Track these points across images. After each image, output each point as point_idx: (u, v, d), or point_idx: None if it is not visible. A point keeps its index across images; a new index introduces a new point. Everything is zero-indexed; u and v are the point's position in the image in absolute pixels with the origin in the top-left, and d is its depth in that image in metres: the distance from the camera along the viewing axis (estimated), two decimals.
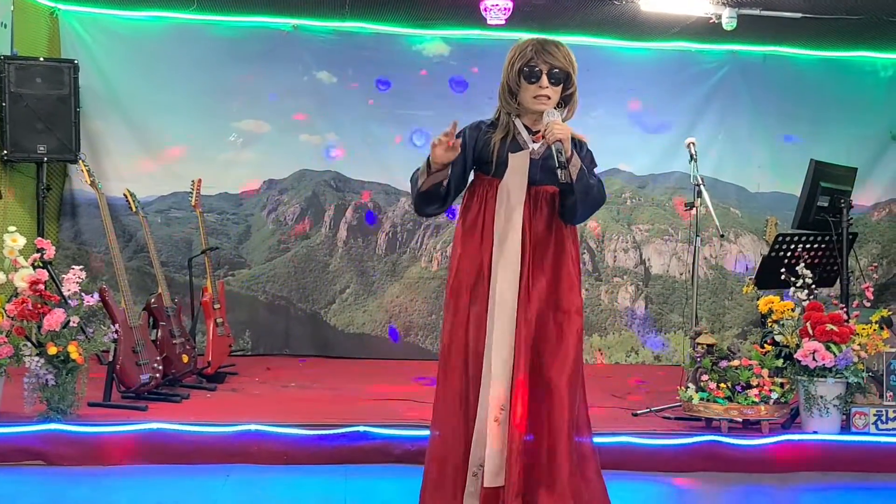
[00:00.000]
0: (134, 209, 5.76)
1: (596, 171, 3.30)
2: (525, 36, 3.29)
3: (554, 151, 3.05)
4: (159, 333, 5.43)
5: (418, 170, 3.23)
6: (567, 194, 3.17)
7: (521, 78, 3.17)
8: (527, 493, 3.13)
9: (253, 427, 4.45)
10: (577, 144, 3.19)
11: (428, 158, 3.15)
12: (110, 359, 4.96)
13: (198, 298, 6.17)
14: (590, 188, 3.16)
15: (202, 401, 5.35)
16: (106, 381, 4.98)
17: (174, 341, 5.53)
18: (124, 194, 5.79)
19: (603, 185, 3.26)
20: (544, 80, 3.14)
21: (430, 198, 3.24)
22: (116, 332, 4.89)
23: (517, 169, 3.18)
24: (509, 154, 3.20)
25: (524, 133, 3.23)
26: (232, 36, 7.42)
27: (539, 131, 3.19)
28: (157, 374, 5.20)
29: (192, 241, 7.26)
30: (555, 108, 3.19)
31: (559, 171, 3.04)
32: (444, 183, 3.20)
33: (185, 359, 5.60)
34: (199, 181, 6.30)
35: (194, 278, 6.38)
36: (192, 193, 6.25)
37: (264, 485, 4.10)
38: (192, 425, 4.46)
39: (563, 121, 3.18)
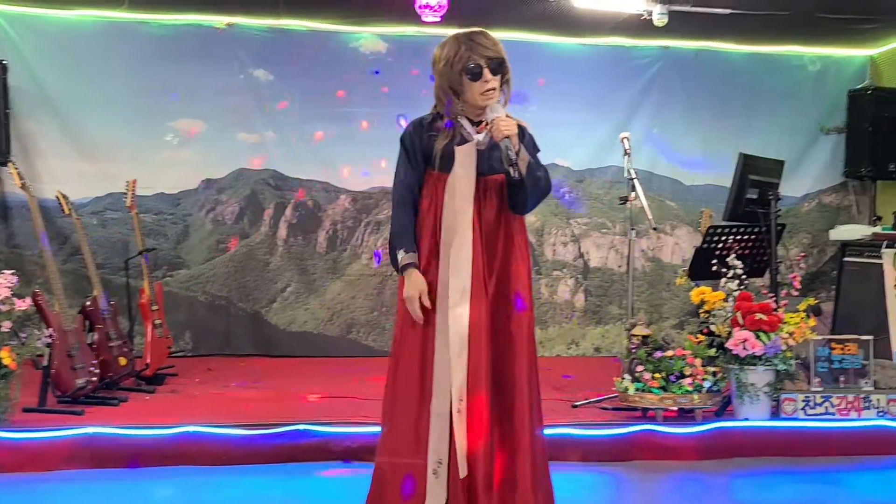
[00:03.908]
0: (67, 211, 5.67)
1: (539, 155, 3.31)
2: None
3: (503, 149, 3.08)
4: (95, 336, 5.37)
5: (395, 247, 3.25)
6: (517, 188, 3.19)
7: (466, 78, 3.17)
8: (493, 490, 3.10)
9: (191, 428, 4.43)
10: (520, 131, 3.21)
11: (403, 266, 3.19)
12: (45, 363, 4.89)
13: (135, 300, 6.10)
14: (538, 180, 3.20)
15: (141, 403, 5.31)
16: (41, 386, 4.91)
17: (111, 344, 5.47)
18: (56, 196, 5.70)
19: (548, 174, 3.29)
20: (486, 73, 3.15)
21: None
22: (51, 336, 4.83)
23: (464, 161, 3.18)
24: (455, 147, 3.20)
25: (468, 126, 3.24)
26: (165, 34, 7.32)
27: (482, 122, 3.21)
28: (94, 378, 5.14)
29: (129, 242, 7.16)
30: (497, 99, 3.20)
31: (510, 169, 3.08)
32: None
33: (123, 361, 5.54)
34: (135, 181, 6.22)
35: (131, 280, 6.31)
36: (126, 194, 6.17)
37: (204, 486, 4.08)
38: (129, 428, 4.43)
39: (503, 105, 3.20)
